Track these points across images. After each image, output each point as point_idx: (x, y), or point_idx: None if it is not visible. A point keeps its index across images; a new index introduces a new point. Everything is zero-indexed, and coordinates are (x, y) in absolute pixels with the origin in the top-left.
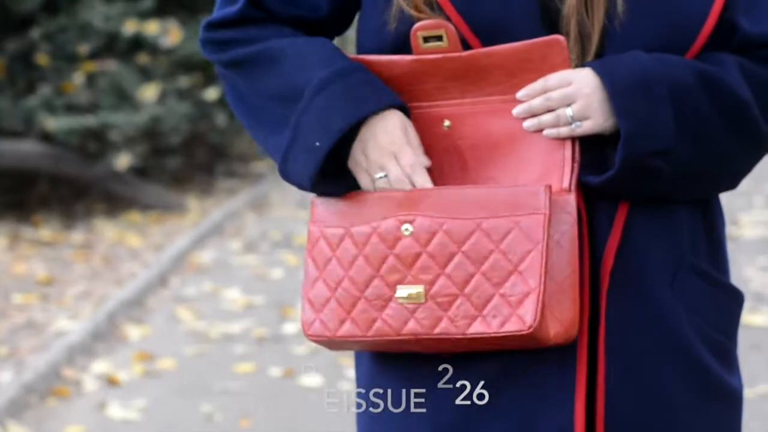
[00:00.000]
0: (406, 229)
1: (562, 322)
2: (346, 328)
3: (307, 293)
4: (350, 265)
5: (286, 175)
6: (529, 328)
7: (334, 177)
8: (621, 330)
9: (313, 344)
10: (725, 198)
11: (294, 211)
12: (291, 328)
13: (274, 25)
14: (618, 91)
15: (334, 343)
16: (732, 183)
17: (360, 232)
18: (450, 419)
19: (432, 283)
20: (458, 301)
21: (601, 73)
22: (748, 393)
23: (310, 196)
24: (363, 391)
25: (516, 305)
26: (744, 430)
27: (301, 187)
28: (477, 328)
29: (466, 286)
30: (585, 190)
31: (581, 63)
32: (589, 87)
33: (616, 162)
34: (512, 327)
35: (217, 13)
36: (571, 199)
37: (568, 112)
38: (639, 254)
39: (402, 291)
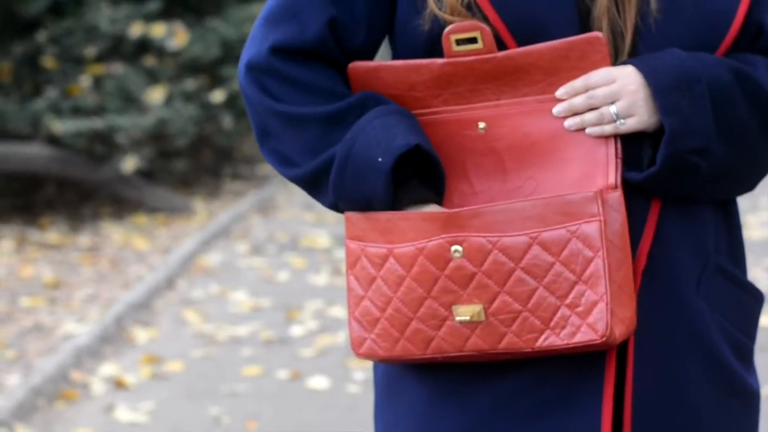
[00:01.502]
0: (456, 251)
1: (623, 320)
2: (401, 348)
3: (353, 312)
4: (397, 286)
5: (341, 193)
6: (602, 337)
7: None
8: (650, 330)
9: (320, 346)
10: None
11: (300, 213)
12: (298, 330)
13: (338, 72)
14: (662, 89)
15: (388, 360)
16: (754, 184)
17: (404, 253)
18: (476, 426)
19: (491, 301)
20: (522, 317)
21: (643, 70)
22: None
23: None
24: (383, 390)
25: (584, 315)
26: None
27: (366, 206)
28: (546, 342)
29: (528, 301)
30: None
31: (615, 62)
32: (634, 84)
33: (658, 159)
34: (584, 337)
35: (284, 35)
36: (619, 196)
37: (612, 109)
38: (669, 254)
39: (460, 311)
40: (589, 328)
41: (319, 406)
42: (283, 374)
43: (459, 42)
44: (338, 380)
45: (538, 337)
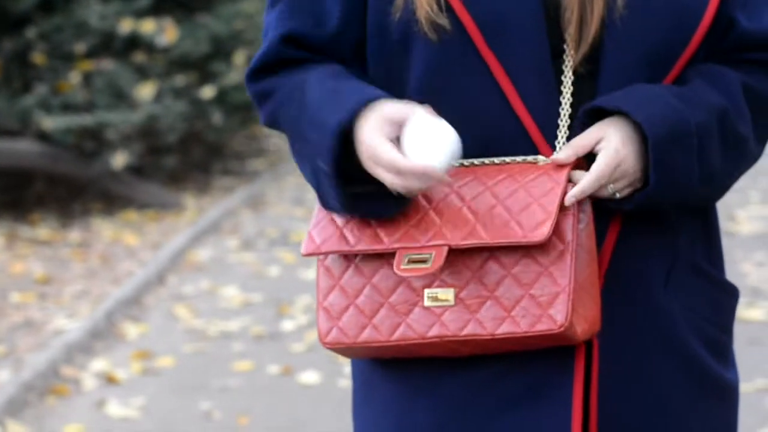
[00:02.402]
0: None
1: (587, 318)
2: (367, 334)
3: (322, 303)
4: (374, 272)
5: (325, 202)
6: (560, 327)
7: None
8: (614, 329)
9: (311, 341)
10: None
11: (290, 208)
12: (288, 325)
13: (310, 67)
14: (657, 144)
15: (352, 350)
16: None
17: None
18: (447, 419)
19: (463, 286)
20: (488, 303)
21: (640, 119)
22: (747, 387)
23: (308, 193)
24: (359, 389)
25: (546, 305)
26: (741, 425)
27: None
28: (506, 329)
29: (497, 288)
30: None
31: (577, 49)
32: (633, 163)
33: (635, 199)
34: (543, 327)
35: (255, 58)
36: (587, 198)
37: (610, 188)
38: (633, 255)
39: (431, 295)
40: (549, 318)
41: (311, 401)
42: (274, 369)
43: (410, 261)
44: (329, 375)
45: (500, 324)
